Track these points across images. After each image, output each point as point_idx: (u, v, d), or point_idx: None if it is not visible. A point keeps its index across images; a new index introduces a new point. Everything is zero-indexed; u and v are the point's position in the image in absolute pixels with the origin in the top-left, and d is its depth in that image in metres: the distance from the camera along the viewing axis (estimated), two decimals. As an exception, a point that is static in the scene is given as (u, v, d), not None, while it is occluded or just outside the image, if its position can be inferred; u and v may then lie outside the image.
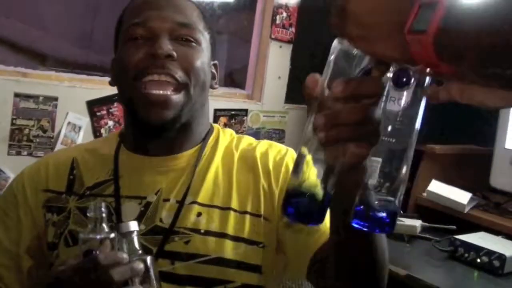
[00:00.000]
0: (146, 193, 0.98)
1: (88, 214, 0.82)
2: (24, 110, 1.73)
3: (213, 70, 1.07)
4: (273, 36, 2.32)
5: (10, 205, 1.01)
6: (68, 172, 1.03)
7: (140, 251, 0.82)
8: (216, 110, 2.15)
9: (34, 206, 1.00)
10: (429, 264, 1.60)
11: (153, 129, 0.96)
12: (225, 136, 1.09)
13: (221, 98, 2.19)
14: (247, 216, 0.98)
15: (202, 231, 0.95)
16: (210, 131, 1.08)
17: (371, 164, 0.62)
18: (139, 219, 0.95)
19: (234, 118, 2.22)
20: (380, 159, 0.62)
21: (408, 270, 1.50)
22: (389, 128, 0.61)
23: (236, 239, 0.96)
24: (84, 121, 1.84)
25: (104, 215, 0.82)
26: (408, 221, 1.81)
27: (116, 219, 0.96)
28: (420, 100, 0.63)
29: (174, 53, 0.93)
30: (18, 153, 1.72)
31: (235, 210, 0.98)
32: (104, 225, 0.82)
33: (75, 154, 1.05)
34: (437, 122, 2.16)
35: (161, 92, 0.93)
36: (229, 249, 0.95)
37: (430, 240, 1.76)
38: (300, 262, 0.99)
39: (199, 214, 0.96)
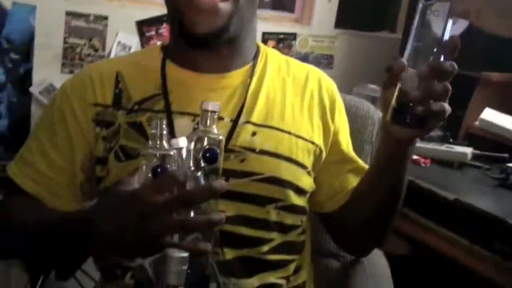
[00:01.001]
0: (198, 110, 0.93)
1: (149, 131, 0.83)
2: (75, 29, 1.74)
3: None
4: (324, -43, 2.23)
5: (57, 122, 0.99)
6: (114, 85, 1.00)
7: (192, 168, 0.82)
8: (264, 34, 2.11)
9: (84, 121, 0.98)
10: (479, 191, 1.58)
11: (200, 39, 0.93)
12: (274, 57, 1.07)
13: (269, 21, 2.14)
14: (301, 140, 0.99)
15: (257, 150, 0.95)
16: (258, 50, 1.05)
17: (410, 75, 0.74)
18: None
19: (282, 42, 2.18)
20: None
21: (457, 195, 1.49)
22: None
23: (289, 160, 0.97)
24: (134, 41, 1.85)
25: (165, 132, 0.83)
26: (459, 148, 1.77)
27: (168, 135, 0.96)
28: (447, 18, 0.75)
29: None
30: (71, 72, 1.76)
31: (289, 133, 0.98)
32: (165, 142, 0.83)
33: (118, 68, 1.02)
34: (493, 49, 2.07)
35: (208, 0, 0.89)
36: (283, 169, 0.96)
37: (481, 168, 1.73)
38: (327, 207, 1.05)
39: (253, 134, 0.96)
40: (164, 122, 0.81)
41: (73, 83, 1.02)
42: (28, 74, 1.71)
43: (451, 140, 1.95)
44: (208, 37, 0.92)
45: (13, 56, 1.65)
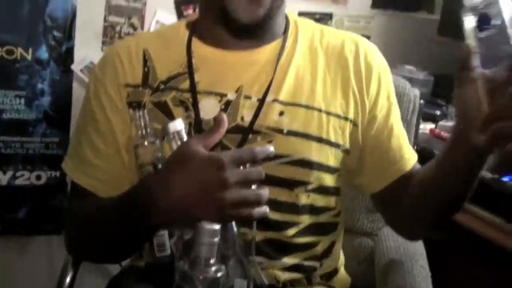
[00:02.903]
0: (226, 90, 0.94)
1: (132, 122, 0.85)
2: (115, 7, 1.77)
3: None
4: None
5: (96, 109, 0.98)
6: (142, 63, 0.98)
7: None
8: (300, 13, 2.11)
9: (119, 102, 0.97)
10: (517, 171, 1.55)
11: (243, 28, 0.91)
12: (306, 27, 1.03)
13: (305, 0, 2.14)
14: (332, 117, 0.95)
15: (284, 131, 0.93)
16: (288, 21, 1.02)
17: None
18: None
19: (318, 21, 2.16)
20: None
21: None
22: None
23: (319, 140, 0.94)
24: (172, 19, 1.87)
25: (147, 121, 0.85)
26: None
27: (194, 115, 0.93)
28: None
29: None
30: (111, 50, 1.80)
31: (319, 110, 0.95)
32: (149, 130, 0.85)
33: (145, 44, 1.00)
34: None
35: None
36: (312, 151, 0.93)
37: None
38: (373, 186, 1.01)
39: (281, 113, 0.93)
40: (145, 111, 0.85)
41: (103, 66, 1.01)
42: (69, 52, 1.75)
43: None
44: (252, 26, 0.90)
45: (56, 34, 1.70)
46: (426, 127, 1.83)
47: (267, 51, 0.97)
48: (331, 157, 0.96)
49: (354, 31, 2.29)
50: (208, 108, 0.93)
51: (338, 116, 0.96)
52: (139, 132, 0.86)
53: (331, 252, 1.03)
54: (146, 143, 0.85)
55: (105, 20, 1.77)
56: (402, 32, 2.39)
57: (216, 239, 0.71)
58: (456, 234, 1.73)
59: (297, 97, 0.95)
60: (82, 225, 0.95)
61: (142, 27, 1.83)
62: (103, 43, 1.79)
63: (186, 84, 0.95)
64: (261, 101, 0.94)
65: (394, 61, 2.32)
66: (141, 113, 0.86)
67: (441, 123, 1.84)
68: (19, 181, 1.69)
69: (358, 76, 0.98)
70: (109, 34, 1.79)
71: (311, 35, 1.01)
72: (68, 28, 1.71)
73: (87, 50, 1.77)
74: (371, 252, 1.36)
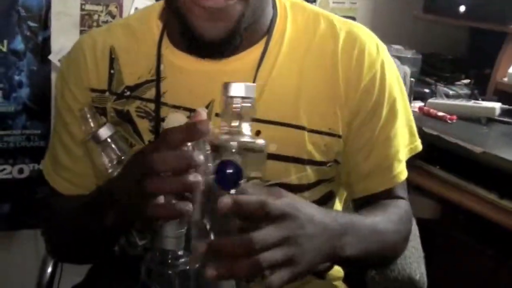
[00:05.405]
0: (195, 105, 0.83)
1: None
2: (92, -5, 1.74)
3: None
4: None
5: (64, 111, 0.93)
6: (108, 66, 0.90)
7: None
8: (283, -4, 2.08)
9: (86, 104, 0.90)
10: (507, 144, 1.53)
11: (209, 46, 0.80)
12: (297, 17, 0.89)
13: (288, -17, 2.11)
14: (316, 135, 0.86)
15: None
16: (274, 17, 0.88)
17: None
18: None
19: (302, 4, 2.15)
20: None
21: (485, 149, 1.44)
22: None
23: (300, 161, 0.85)
24: (151, 6, 1.84)
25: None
26: (486, 104, 1.72)
27: (155, 129, 0.86)
28: None
29: None
30: (89, 39, 1.76)
31: (302, 128, 0.85)
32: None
33: (113, 41, 0.90)
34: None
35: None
36: (291, 175, 0.85)
37: (510, 124, 1.68)
38: (353, 191, 0.93)
39: (257, 133, 0.82)
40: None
41: (68, 65, 0.94)
42: (46, 42, 1.71)
43: (479, 98, 1.89)
44: (218, 43, 0.80)
45: (31, 24, 1.66)
46: (415, 105, 1.80)
47: (245, 58, 0.86)
48: (314, 174, 0.87)
49: (339, 12, 2.28)
50: (174, 123, 0.80)
51: (323, 133, 0.86)
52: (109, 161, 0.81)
53: None
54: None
55: (81, 8, 1.73)
56: (387, 12, 2.36)
57: (182, 230, 0.64)
58: (450, 211, 1.71)
59: (277, 113, 0.85)
60: (58, 225, 0.93)
61: (121, 15, 1.79)
62: (81, 32, 1.75)
63: (152, 93, 0.87)
64: None
65: (381, 41, 2.30)
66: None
67: (430, 100, 1.81)
68: (1, 175, 1.65)
69: (346, 80, 0.86)
70: (87, 23, 1.75)
71: (302, 27, 0.89)
72: (43, 18, 1.67)
73: (64, 39, 1.73)
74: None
